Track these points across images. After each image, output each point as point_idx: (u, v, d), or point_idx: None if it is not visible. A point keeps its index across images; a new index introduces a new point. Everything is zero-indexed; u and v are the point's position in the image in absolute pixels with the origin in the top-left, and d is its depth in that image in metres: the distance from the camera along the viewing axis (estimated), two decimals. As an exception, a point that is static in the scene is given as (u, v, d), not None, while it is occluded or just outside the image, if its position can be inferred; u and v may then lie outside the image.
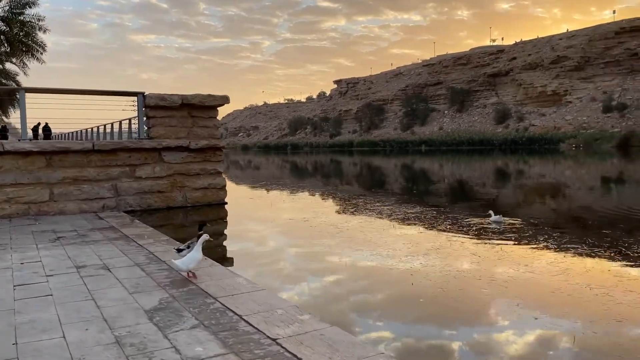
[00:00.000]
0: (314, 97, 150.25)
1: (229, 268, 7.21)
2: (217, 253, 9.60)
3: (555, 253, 9.08)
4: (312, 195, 20.79)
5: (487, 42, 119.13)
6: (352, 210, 14.64)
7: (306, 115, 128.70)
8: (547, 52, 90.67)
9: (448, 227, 11.25)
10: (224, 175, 16.06)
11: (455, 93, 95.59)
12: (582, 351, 5.17)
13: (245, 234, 12.37)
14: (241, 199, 19.27)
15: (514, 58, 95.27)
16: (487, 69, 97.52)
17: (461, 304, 6.67)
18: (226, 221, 14.34)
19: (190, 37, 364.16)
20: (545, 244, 9.74)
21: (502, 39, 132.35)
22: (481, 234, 10.60)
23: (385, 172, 36.64)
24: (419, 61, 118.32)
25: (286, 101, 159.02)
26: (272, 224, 13.50)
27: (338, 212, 14.69)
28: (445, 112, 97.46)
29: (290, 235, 11.76)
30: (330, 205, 17.05)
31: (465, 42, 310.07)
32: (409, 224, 12.16)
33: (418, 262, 8.49)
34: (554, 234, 10.63)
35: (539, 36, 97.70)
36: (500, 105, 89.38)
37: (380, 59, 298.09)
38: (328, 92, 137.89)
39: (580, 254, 8.92)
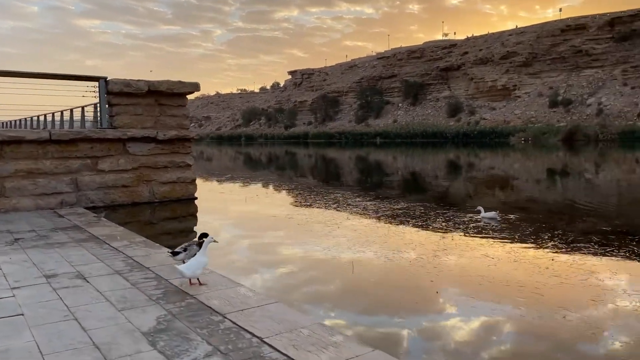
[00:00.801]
0: (268, 87, 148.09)
1: (227, 275, 6.41)
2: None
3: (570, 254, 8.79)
4: (286, 189, 19.88)
5: (438, 37, 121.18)
6: (334, 205, 13.96)
7: (260, 106, 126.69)
8: (498, 48, 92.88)
9: (443, 224, 10.79)
10: (193, 169, 15.02)
11: (409, 86, 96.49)
12: None
13: (218, 231, 11.48)
14: (211, 194, 18.21)
15: (466, 53, 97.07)
16: (440, 63, 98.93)
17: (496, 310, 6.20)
18: (197, 217, 13.41)
19: (138, 24, 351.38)
20: (553, 242, 9.46)
21: (455, 33, 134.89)
22: (482, 232, 10.16)
23: (347, 165, 36.25)
24: (374, 54, 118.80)
25: (239, 91, 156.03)
26: (252, 221, 12.64)
27: (320, 207, 13.95)
28: (400, 105, 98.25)
29: (278, 234, 10.89)
30: (310, 200, 16.12)
31: (417, 36, 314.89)
32: (401, 222, 11.53)
33: (432, 266, 7.95)
34: (550, 232, 10.37)
35: (490, 32, 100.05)
36: (453, 99, 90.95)
37: (334, 50, 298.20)
38: (282, 83, 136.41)
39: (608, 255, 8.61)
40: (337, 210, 13.38)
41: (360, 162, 39.27)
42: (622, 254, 8.42)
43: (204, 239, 6.47)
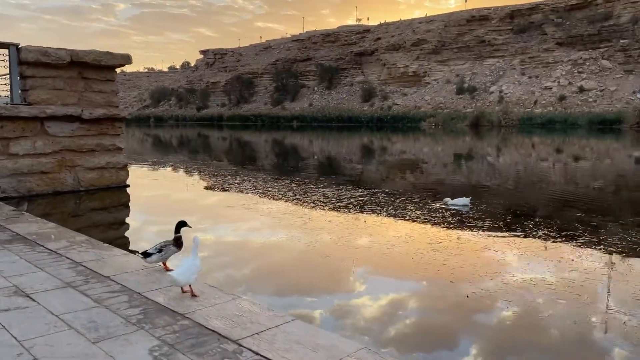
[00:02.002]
0: (177, 67, 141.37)
1: (213, 285, 5.30)
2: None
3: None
4: (228, 175, 17.69)
5: (349, 22, 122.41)
6: (290, 193, 12.78)
7: (170, 86, 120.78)
8: (409, 35, 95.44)
9: (418, 213, 10.17)
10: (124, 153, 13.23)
11: (324, 70, 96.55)
12: None
13: (155, 222, 10.12)
14: (144, 180, 16.16)
15: (379, 38, 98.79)
16: (354, 48, 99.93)
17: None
18: (129, 207, 11.86)
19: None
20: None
21: (368, 19, 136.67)
22: (464, 222, 9.63)
23: (265, 149, 35.04)
24: (288, 36, 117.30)
25: (146, 70, 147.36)
26: (204, 211, 11.24)
27: (277, 197, 12.48)
28: (315, 88, 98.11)
29: (240, 227, 9.67)
30: (262, 188, 14.26)
31: (328, 20, 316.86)
32: (372, 211, 10.60)
33: (440, 259, 7.33)
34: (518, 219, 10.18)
35: (401, 19, 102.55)
36: (366, 84, 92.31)
37: (245, 31, 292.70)
38: (193, 63, 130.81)
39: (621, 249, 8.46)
40: (296, 198, 12.35)
41: (280, 145, 38.35)
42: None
43: (182, 228, 5.42)
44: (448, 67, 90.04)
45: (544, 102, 71.44)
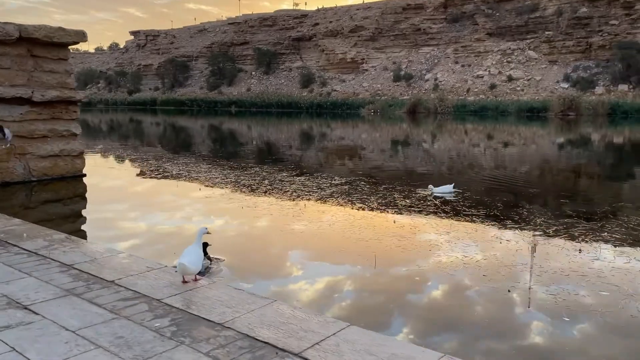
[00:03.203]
0: (105, 48, 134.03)
1: (241, 285, 4.79)
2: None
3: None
4: (189, 162, 16.52)
5: (284, 6, 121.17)
6: (266, 182, 12.08)
7: (97, 68, 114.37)
8: (347, 21, 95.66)
9: (408, 202, 9.90)
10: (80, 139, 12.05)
11: (262, 54, 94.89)
12: None
13: (115, 214, 9.31)
14: (100, 169, 14.73)
15: (317, 24, 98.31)
16: (292, 33, 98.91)
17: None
18: (86, 199, 10.88)
19: None
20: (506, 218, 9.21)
21: (306, 4, 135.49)
22: (459, 212, 9.42)
23: (229, 136, 33.75)
24: (224, 18, 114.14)
25: (70, 50, 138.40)
26: (185, 204, 10.41)
27: (255, 187, 11.65)
28: (253, 73, 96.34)
29: (243, 222, 8.92)
30: (233, 176, 13.31)
31: (262, 4, 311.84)
32: (361, 201, 10.20)
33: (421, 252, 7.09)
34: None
35: (338, 5, 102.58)
36: (305, 70, 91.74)
37: (176, 12, 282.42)
38: (122, 44, 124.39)
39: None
40: (275, 188, 11.73)
41: (226, 132, 37.17)
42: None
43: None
44: (385, 54, 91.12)
45: (476, 90, 74.05)
